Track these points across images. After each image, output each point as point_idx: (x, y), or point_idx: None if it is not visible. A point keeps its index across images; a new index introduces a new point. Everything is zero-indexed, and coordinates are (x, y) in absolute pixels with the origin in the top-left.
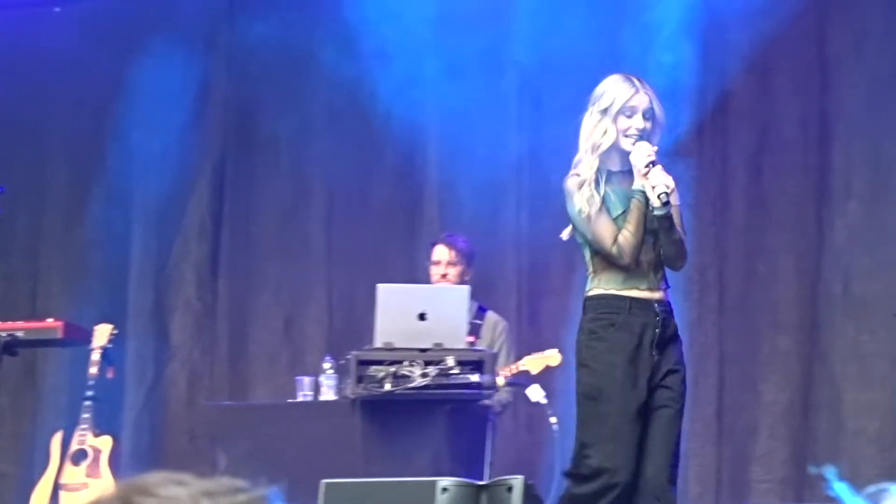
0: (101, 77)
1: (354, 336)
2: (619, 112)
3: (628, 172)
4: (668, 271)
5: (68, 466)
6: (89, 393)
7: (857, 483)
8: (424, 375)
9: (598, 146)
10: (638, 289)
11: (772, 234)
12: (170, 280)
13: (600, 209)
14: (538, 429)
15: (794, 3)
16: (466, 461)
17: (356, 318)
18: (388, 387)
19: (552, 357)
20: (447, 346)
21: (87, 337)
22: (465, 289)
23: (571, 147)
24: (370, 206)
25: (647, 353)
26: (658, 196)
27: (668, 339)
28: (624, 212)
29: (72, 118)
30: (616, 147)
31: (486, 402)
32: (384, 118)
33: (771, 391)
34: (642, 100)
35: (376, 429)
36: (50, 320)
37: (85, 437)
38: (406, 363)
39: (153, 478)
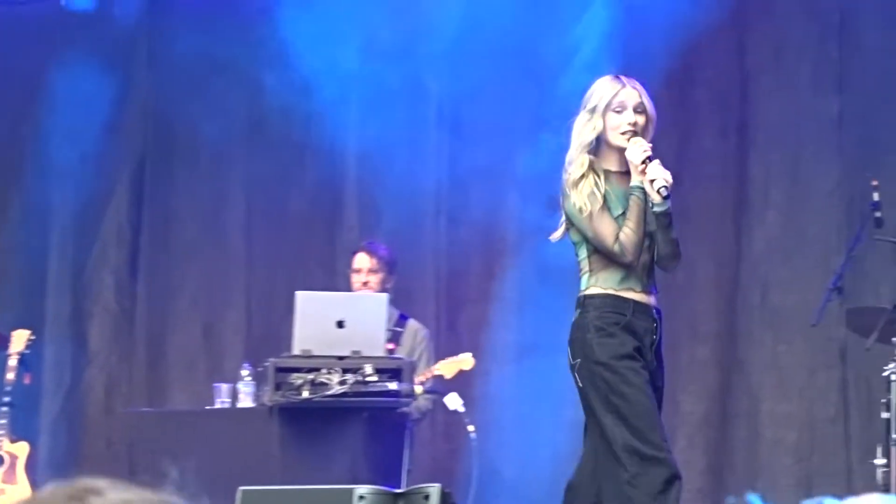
0: (19, 83)
1: (273, 343)
2: (608, 108)
3: (627, 173)
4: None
5: None
6: (6, 399)
7: (774, 494)
8: (342, 383)
9: (586, 143)
10: (634, 290)
11: (691, 243)
12: (88, 286)
13: (602, 207)
14: (456, 437)
15: (714, 15)
16: (384, 469)
17: (275, 325)
18: (305, 394)
19: (465, 361)
20: (365, 353)
21: (4, 342)
22: (384, 297)
23: (491, 155)
24: (290, 213)
25: (649, 356)
26: (658, 190)
27: (659, 349)
28: (624, 211)
29: None
30: (610, 144)
31: (404, 409)
32: (305, 126)
33: (689, 401)
34: (630, 94)
35: (294, 436)
36: None
37: (1, 443)
38: (324, 371)
39: (100, 482)
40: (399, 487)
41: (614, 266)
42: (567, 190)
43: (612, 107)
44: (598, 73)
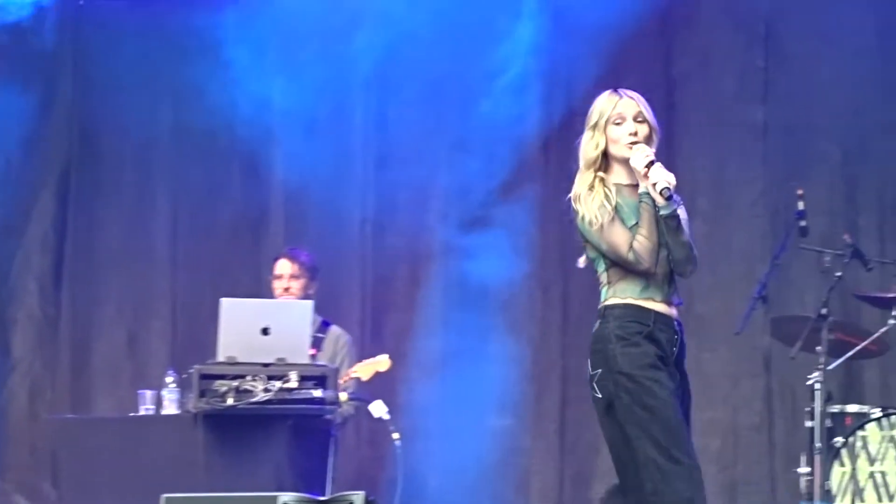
0: None
1: (198, 350)
2: (608, 122)
3: (637, 185)
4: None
5: None
6: None
7: None
8: (267, 390)
9: (591, 160)
10: (654, 300)
11: None
12: (12, 292)
13: (612, 218)
14: (380, 444)
15: (640, 22)
16: (308, 476)
17: (200, 332)
18: (230, 401)
19: (381, 362)
20: (290, 360)
21: None
22: (309, 304)
23: (414, 170)
24: (215, 221)
25: (672, 368)
26: (660, 192)
27: (681, 361)
28: (637, 222)
29: None
30: (616, 157)
31: (329, 416)
32: (231, 135)
33: None
34: (628, 105)
35: (218, 443)
36: None
37: None
38: (249, 378)
39: None
40: (323, 495)
41: (633, 276)
42: (576, 206)
43: (612, 119)
44: (523, 94)
